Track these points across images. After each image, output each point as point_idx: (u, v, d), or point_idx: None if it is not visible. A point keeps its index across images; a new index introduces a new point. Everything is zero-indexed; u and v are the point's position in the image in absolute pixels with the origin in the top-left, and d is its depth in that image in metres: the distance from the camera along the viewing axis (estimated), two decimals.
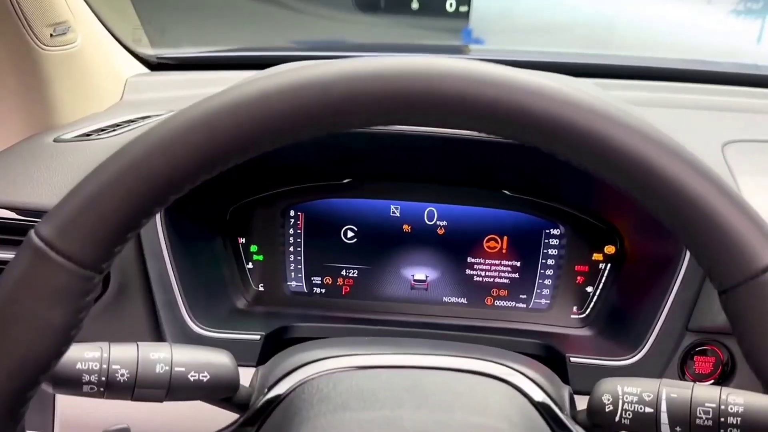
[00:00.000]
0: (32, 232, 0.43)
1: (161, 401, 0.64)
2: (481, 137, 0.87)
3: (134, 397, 0.63)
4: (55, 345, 0.44)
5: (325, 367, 0.51)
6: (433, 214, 1.05)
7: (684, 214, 0.43)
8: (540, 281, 1.05)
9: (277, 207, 1.06)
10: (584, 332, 1.03)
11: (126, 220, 0.43)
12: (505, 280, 1.06)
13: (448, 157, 0.98)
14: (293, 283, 1.08)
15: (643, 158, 0.43)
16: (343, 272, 1.07)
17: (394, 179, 1.04)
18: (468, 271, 1.06)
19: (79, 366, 0.60)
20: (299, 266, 1.07)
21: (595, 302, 1.04)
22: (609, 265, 1.03)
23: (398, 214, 1.05)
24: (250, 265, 1.07)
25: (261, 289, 1.07)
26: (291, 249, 1.07)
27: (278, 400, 0.49)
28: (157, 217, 0.91)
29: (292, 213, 1.06)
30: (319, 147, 0.97)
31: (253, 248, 1.07)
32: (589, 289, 1.04)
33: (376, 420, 0.45)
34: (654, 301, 0.91)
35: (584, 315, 1.05)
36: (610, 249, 1.03)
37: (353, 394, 0.47)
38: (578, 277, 1.05)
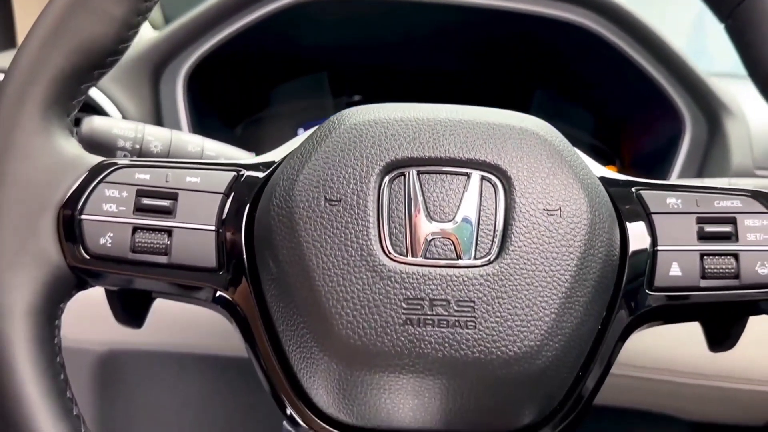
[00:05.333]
0: None
1: None
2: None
3: None
4: (114, 37, 0.48)
5: None
6: None
7: None
8: None
9: (288, 124, 1.08)
10: None
11: None
12: None
13: (447, 45, 1.00)
14: None
15: None
16: None
17: (401, 96, 1.07)
18: None
19: (115, 131, 0.60)
20: None
21: None
22: None
23: None
24: None
25: None
26: None
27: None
28: (179, 101, 0.93)
29: (301, 132, 1.08)
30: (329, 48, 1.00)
31: None
32: None
33: (412, 107, 0.45)
34: None
35: None
36: (611, 170, 1.05)
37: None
38: None
